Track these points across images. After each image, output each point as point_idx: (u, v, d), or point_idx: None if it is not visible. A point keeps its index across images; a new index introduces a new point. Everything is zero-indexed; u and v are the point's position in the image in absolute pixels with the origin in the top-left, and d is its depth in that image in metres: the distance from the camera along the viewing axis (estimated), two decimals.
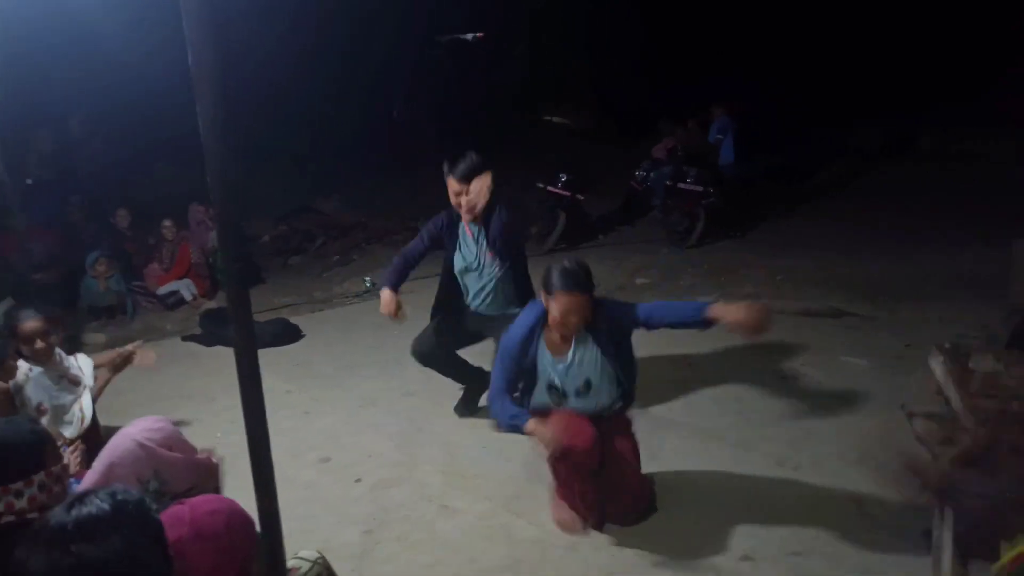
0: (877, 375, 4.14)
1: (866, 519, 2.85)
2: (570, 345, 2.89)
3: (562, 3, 13.07)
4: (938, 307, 5.19)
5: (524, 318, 2.96)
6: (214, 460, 1.99)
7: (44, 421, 3.26)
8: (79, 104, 8.54)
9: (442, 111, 13.45)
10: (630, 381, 2.99)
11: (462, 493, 3.27)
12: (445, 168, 3.64)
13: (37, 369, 3.36)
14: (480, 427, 3.89)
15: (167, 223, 7.13)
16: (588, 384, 2.89)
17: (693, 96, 9.16)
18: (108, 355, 3.66)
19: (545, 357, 2.91)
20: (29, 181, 7.16)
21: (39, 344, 3.34)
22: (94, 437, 3.59)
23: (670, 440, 3.56)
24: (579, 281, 2.77)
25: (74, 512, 1.28)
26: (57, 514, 1.30)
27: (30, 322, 3.34)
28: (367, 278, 7.13)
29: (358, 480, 3.43)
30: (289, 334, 5.55)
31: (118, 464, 1.76)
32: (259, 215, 9.33)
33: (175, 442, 1.86)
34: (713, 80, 9.68)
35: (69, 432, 3.34)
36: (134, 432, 1.82)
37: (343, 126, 12.12)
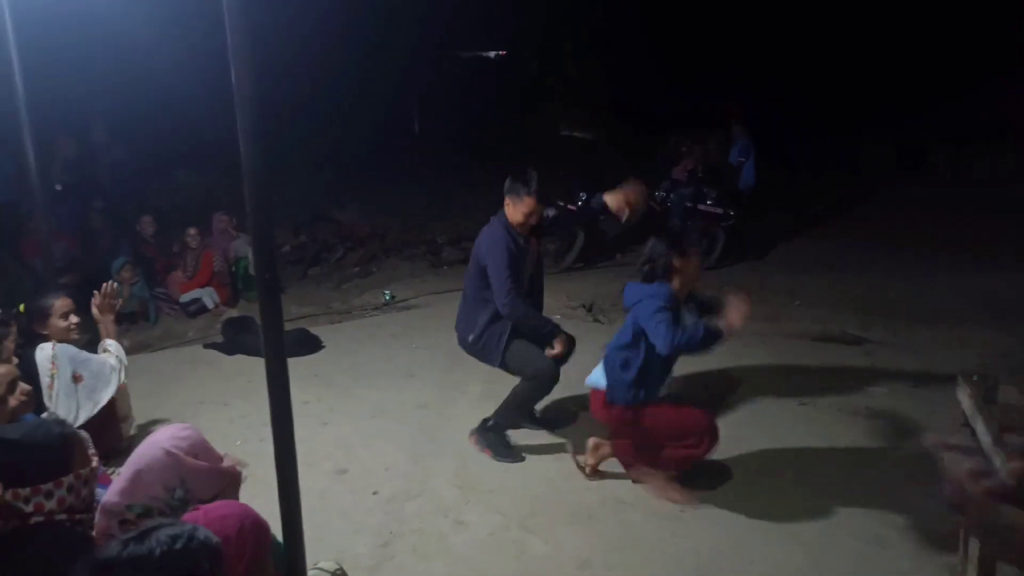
0: (896, 403, 4.11)
1: (887, 550, 2.83)
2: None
3: (575, 16, 13.17)
4: (956, 332, 5.15)
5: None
6: (238, 468, 2.01)
7: (79, 388, 3.40)
8: (103, 111, 8.68)
9: (459, 124, 13.57)
10: None
11: (475, 507, 3.28)
12: (519, 187, 3.59)
13: (62, 345, 3.47)
14: None
15: (192, 231, 7.22)
16: None
17: (707, 106, 9.18)
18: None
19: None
20: (59, 187, 7.26)
21: (66, 322, 3.59)
22: (109, 431, 3.63)
23: None
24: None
25: (128, 551, 1.30)
26: (111, 548, 1.32)
27: (61, 299, 3.64)
28: (387, 291, 7.18)
29: (374, 493, 3.44)
30: (310, 344, 5.58)
31: (145, 471, 1.79)
32: (278, 223, 9.43)
33: (201, 450, 1.87)
34: (726, 90, 9.72)
35: (108, 394, 3.50)
36: (162, 439, 1.84)
37: (361, 136, 12.25)
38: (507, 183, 3.65)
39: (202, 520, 1.66)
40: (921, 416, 3.84)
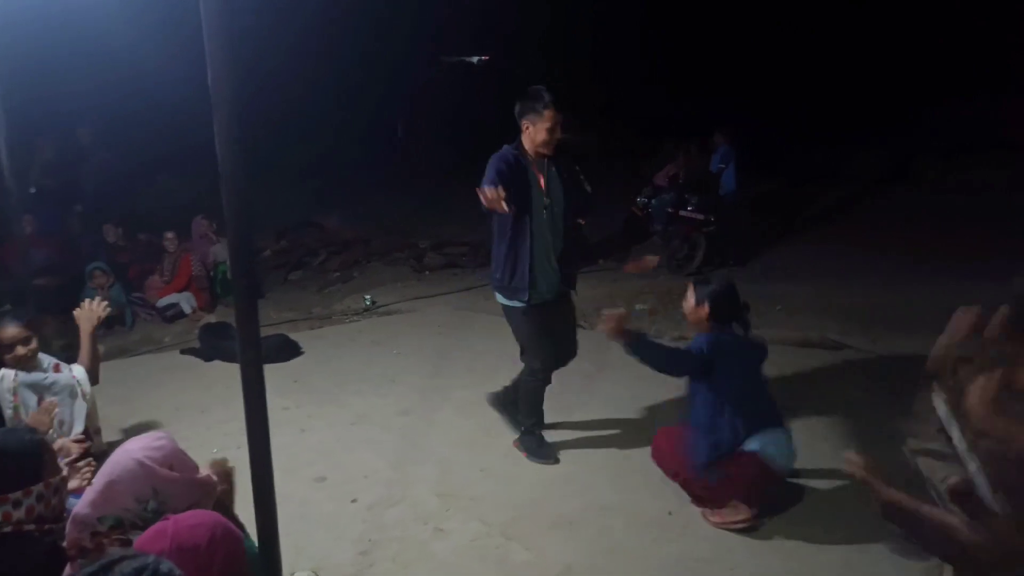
0: (875, 409, 4.14)
1: (869, 555, 2.84)
2: None
3: (567, 23, 13.23)
4: (934, 339, 5.19)
5: None
6: (214, 478, 1.97)
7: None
8: (86, 114, 8.59)
9: (444, 130, 13.56)
10: None
11: (456, 515, 3.25)
12: (534, 104, 3.36)
13: (24, 375, 3.39)
14: (476, 447, 3.88)
15: (169, 235, 7.14)
16: None
17: (695, 116, 9.25)
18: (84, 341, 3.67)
19: None
20: (33, 190, 7.17)
21: (20, 350, 3.39)
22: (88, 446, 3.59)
23: (653, 470, 3.53)
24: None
25: None
26: None
27: (9, 328, 3.40)
28: (367, 296, 7.14)
29: (354, 500, 3.41)
30: (289, 350, 5.54)
31: (117, 482, 1.75)
32: (260, 228, 9.35)
33: (176, 460, 1.83)
34: (714, 100, 9.80)
35: (80, 424, 3.45)
36: (134, 449, 1.80)
37: (347, 142, 12.21)
38: (517, 108, 3.42)
39: (171, 529, 1.63)
40: (901, 421, 3.87)
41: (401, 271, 8.41)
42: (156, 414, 4.50)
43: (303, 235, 9.71)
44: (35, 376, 3.42)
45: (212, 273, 7.30)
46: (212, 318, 6.64)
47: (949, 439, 1.81)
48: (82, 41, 7.33)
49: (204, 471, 1.93)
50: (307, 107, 11.89)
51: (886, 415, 4.00)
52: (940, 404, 1.90)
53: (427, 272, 8.31)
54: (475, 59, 15.49)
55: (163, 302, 6.89)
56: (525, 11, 13.03)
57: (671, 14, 12.48)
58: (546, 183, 3.46)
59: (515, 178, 3.35)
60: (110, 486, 1.74)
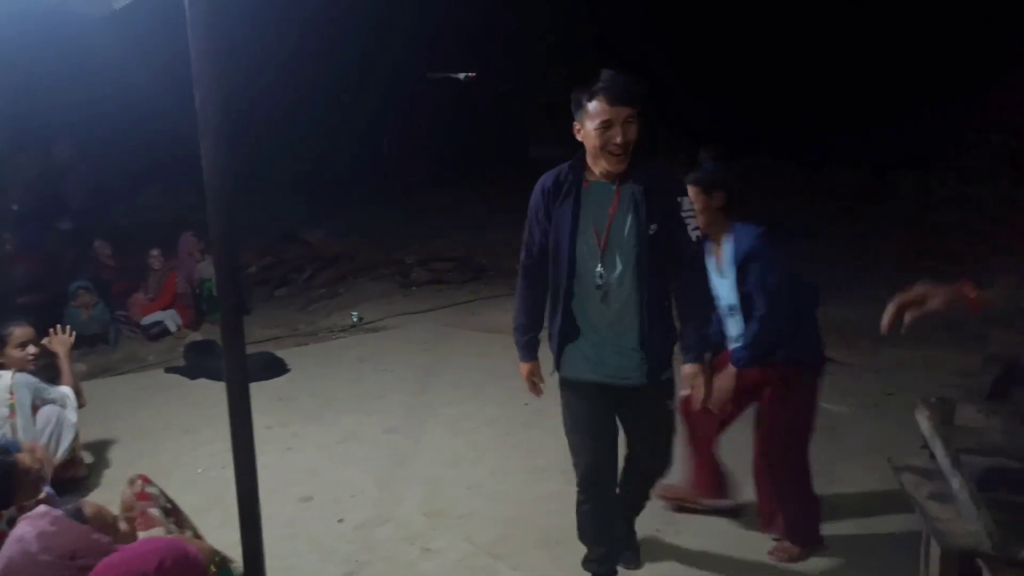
0: (859, 423, 4.17)
1: (853, 568, 2.85)
2: None
3: (549, 37, 13.36)
4: (918, 353, 5.25)
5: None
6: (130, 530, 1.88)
7: (38, 420, 3.40)
8: (68, 130, 8.54)
9: (431, 145, 13.61)
10: None
11: (444, 534, 3.24)
12: (579, 96, 2.29)
13: (21, 375, 3.46)
14: (464, 465, 3.86)
15: (154, 252, 7.09)
16: None
17: (681, 133, 9.35)
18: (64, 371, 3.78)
19: None
20: (15, 207, 7.11)
21: (30, 350, 3.57)
22: (73, 470, 3.58)
23: None
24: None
25: None
26: None
27: (24, 328, 3.63)
28: (354, 313, 7.12)
29: (341, 520, 3.38)
30: (275, 367, 5.50)
31: (10, 567, 1.67)
32: (246, 243, 9.31)
33: (79, 544, 1.67)
34: (699, 113, 9.89)
35: (70, 435, 3.54)
36: (30, 539, 1.66)
37: (333, 157, 12.23)
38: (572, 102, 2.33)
39: (118, 559, 1.58)
40: (884, 436, 3.90)
41: (387, 287, 8.39)
42: (141, 434, 4.45)
43: (289, 251, 9.68)
44: (32, 380, 3.46)
45: (197, 290, 7.25)
46: (197, 336, 6.59)
47: (932, 455, 1.84)
48: (65, 56, 7.32)
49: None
50: (293, 122, 11.90)
51: (869, 429, 4.04)
52: (923, 420, 1.92)
53: (413, 288, 8.29)
54: (462, 75, 15.60)
55: (148, 320, 6.83)
56: (514, 27, 13.15)
57: (655, 30, 12.63)
58: (614, 215, 2.31)
59: (554, 210, 2.38)
60: (7, 568, 1.66)
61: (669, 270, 2.35)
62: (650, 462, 2.67)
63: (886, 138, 10.38)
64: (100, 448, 4.18)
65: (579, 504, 2.63)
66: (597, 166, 2.31)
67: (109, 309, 6.76)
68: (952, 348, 5.15)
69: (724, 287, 2.74)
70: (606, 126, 2.20)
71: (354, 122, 12.72)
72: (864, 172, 10.79)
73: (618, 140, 2.19)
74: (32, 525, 1.68)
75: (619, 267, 2.30)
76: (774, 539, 2.97)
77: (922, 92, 10.48)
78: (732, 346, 2.83)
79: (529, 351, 2.58)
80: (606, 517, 2.61)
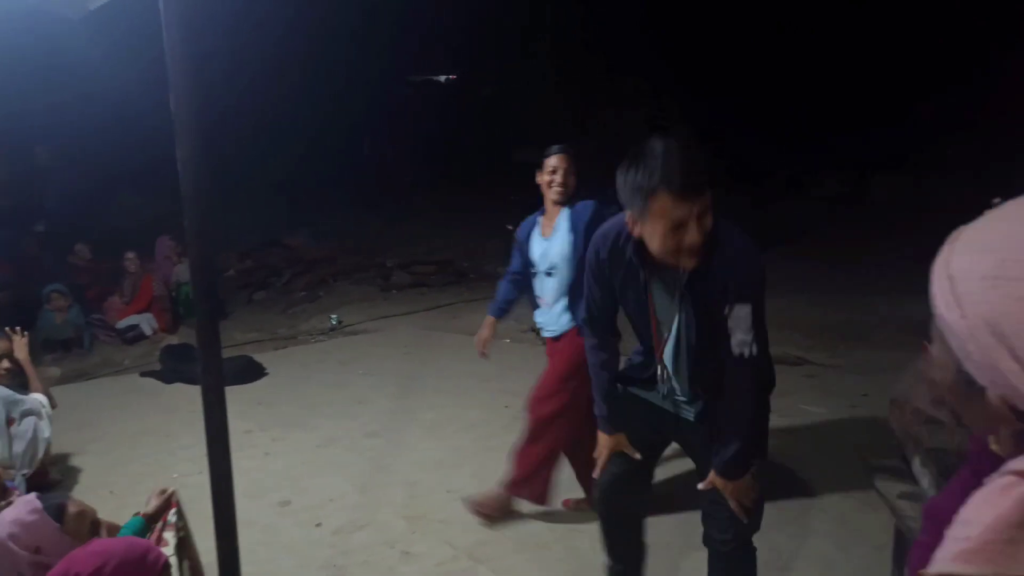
0: (835, 424, 4.22)
1: (829, 569, 2.88)
2: None
3: (533, 45, 13.40)
4: (894, 355, 5.32)
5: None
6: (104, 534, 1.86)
7: (13, 431, 3.33)
8: (44, 132, 8.43)
9: (412, 149, 13.59)
10: None
11: (424, 538, 3.23)
12: (625, 184, 1.83)
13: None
14: (444, 469, 3.86)
15: (130, 255, 7.02)
16: None
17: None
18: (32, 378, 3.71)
19: None
20: None
21: (4, 364, 3.51)
22: (42, 477, 3.53)
23: None
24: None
25: None
26: None
27: (3, 341, 3.56)
28: (333, 316, 7.09)
29: (318, 524, 3.37)
30: (252, 371, 5.46)
31: None
32: (225, 248, 9.25)
33: (45, 540, 1.68)
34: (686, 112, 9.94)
35: (44, 445, 3.48)
36: (6, 522, 1.68)
37: (313, 161, 12.16)
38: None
39: (70, 556, 1.57)
40: (859, 436, 3.95)
41: (368, 290, 8.37)
42: (116, 439, 4.39)
43: (269, 254, 9.62)
44: (5, 392, 3.39)
45: (174, 294, 7.18)
46: (174, 339, 6.53)
47: (904, 457, 1.86)
48: (41, 58, 7.22)
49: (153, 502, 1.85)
50: (273, 126, 11.84)
51: (847, 430, 4.09)
52: (895, 422, 1.95)
53: (394, 291, 8.28)
54: (443, 78, 15.59)
55: (124, 323, 6.75)
56: (495, 30, 13.17)
57: (641, 32, 12.70)
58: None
59: (600, 271, 2.06)
60: None
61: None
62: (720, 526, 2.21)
63: (867, 141, 10.54)
64: (74, 454, 4.13)
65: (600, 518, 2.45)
66: (665, 253, 1.84)
67: (85, 313, 6.67)
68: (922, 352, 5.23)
69: (555, 247, 3.02)
70: (678, 228, 1.76)
71: (335, 126, 12.68)
72: (846, 174, 10.94)
73: (693, 241, 1.78)
74: (14, 510, 1.71)
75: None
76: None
77: (903, 95, 10.66)
78: (544, 307, 3.12)
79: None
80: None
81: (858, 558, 2.91)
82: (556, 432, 3.09)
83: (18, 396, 3.47)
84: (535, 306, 3.21)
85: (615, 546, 2.41)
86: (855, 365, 5.25)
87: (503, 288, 3.30)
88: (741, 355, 1.82)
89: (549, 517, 3.36)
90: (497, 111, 13.98)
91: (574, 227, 2.95)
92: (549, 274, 3.05)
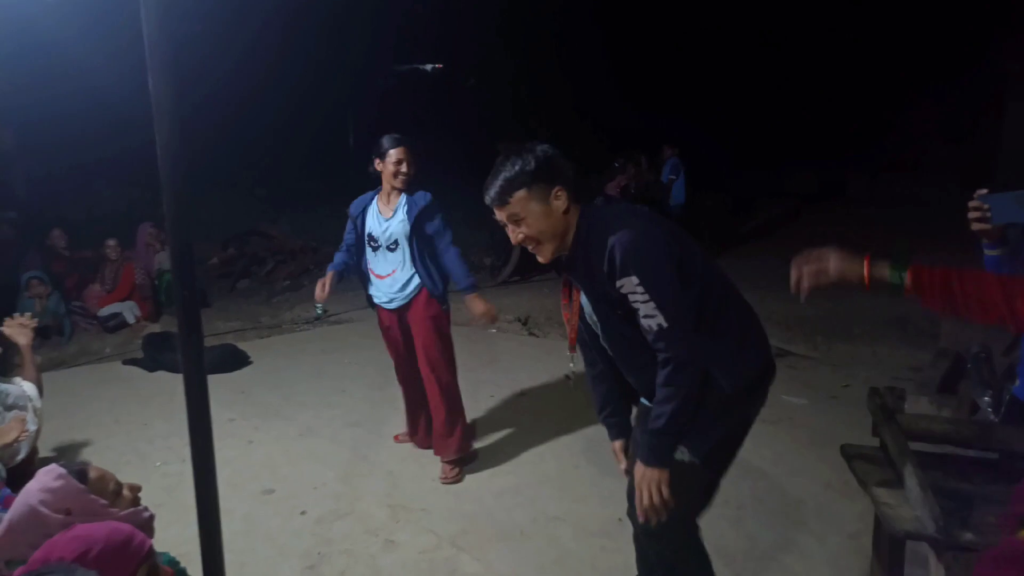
0: (815, 414, 4.27)
1: (807, 558, 2.92)
2: None
3: (518, 37, 13.37)
4: (871, 348, 5.41)
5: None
6: (145, 515, 1.85)
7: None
8: (11, 116, 8.24)
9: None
10: None
11: (406, 527, 3.23)
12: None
13: None
14: (426, 458, 3.86)
15: (111, 243, 6.93)
16: None
17: (643, 133, 9.48)
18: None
19: None
20: None
21: None
22: (27, 467, 3.48)
23: (602, 479, 3.58)
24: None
25: None
26: None
27: None
28: (319, 305, 7.01)
29: (303, 513, 3.36)
30: (236, 360, 5.43)
31: (14, 528, 1.64)
32: (207, 237, 9.16)
33: (74, 502, 1.68)
34: (662, 119, 10.06)
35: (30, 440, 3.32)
36: (32, 492, 1.68)
37: (295, 150, 12.08)
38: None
39: (47, 546, 1.55)
40: (838, 426, 4.00)
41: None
42: (95, 428, 4.35)
43: (250, 243, 9.54)
44: None
45: (156, 282, 7.11)
46: (156, 327, 6.47)
47: (882, 444, 1.89)
48: (11, 39, 7.06)
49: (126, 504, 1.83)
50: (255, 115, 11.73)
51: (826, 420, 4.14)
52: (874, 409, 1.98)
53: None
54: (428, 67, 15.50)
55: (105, 311, 6.68)
56: (481, 19, 13.12)
57: (628, 33, 12.74)
58: None
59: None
60: (10, 531, 1.64)
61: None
62: None
63: (842, 141, 10.72)
64: (55, 443, 4.08)
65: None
66: None
67: (64, 301, 6.59)
68: (902, 344, 5.32)
69: (395, 225, 3.54)
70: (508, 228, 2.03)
71: (316, 115, 12.59)
72: (821, 173, 11.12)
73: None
74: (38, 480, 1.71)
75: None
76: (446, 462, 3.62)
77: (879, 98, 10.82)
78: (381, 281, 3.66)
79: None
80: None
81: (835, 546, 2.96)
82: (454, 389, 3.70)
83: (5, 387, 3.39)
84: (367, 280, 3.74)
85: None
86: (834, 357, 5.32)
87: (339, 256, 3.82)
88: (650, 329, 1.83)
89: (531, 506, 3.38)
90: (484, 102, 13.95)
91: (410, 211, 3.53)
92: (391, 248, 3.57)
